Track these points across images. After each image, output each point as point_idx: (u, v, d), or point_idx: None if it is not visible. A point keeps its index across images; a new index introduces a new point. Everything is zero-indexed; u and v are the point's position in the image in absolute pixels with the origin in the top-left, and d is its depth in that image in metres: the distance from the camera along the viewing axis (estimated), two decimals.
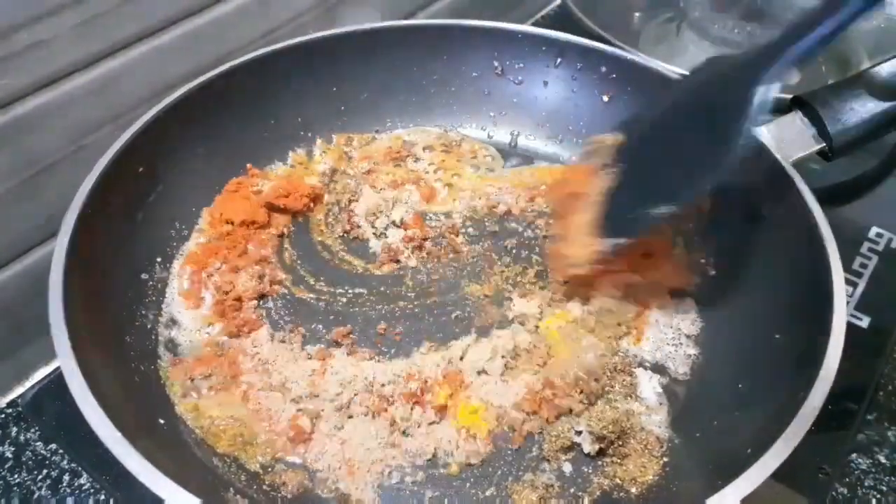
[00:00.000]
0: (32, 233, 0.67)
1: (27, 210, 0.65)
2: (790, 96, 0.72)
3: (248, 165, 0.76)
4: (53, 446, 0.62)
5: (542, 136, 0.85)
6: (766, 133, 0.68)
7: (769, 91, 0.54)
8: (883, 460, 0.62)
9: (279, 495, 0.54)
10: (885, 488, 0.61)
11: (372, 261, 0.72)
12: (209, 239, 0.71)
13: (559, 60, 0.82)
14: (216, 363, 0.62)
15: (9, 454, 0.61)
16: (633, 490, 0.55)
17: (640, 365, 0.64)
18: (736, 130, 0.54)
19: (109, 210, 0.62)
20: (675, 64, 0.80)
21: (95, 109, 0.67)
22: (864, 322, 0.72)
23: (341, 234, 0.74)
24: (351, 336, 0.65)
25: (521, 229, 0.76)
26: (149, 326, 0.63)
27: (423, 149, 0.83)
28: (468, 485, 0.56)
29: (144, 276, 0.65)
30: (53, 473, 0.60)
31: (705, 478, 0.51)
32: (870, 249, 0.79)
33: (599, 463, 0.57)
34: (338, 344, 0.64)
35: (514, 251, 0.73)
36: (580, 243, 0.62)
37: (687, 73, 0.66)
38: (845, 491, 0.60)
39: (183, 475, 0.45)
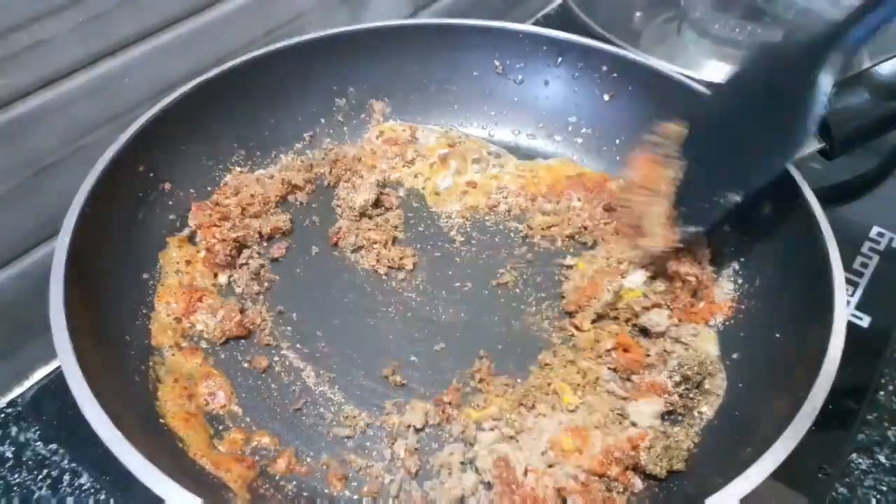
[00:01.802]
0: (33, 232, 0.67)
1: (27, 210, 0.65)
2: None
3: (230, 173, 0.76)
4: (53, 446, 0.62)
5: (543, 136, 0.85)
6: None
7: (830, 77, 0.56)
8: (883, 460, 0.62)
9: (279, 495, 0.54)
10: (885, 488, 0.60)
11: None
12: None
13: (560, 60, 0.82)
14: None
15: (9, 454, 0.61)
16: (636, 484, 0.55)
17: None
18: (803, 116, 0.57)
19: (110, 209, 0.62)
20: (676, 63, 0.80)
21: (95, 109, 0.67)
22: (865, 322, 0.72)
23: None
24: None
25: (520, 227, 0.76)
26: (149, 325, 0.63)
27: (425, 147, 0.83)
28: None
29: (145, 275, 0.65)
30: (53, 473, 0.60)
31: (705, 477, 0.51)
32: (871, 249, 0.79)
33: None
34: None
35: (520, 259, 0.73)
36: (656, 233, 0.64)
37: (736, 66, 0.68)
38: (845, 491, 0.60)
39: (183, 475, 0.45)
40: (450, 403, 0.60)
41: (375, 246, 0.72)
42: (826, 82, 0.56)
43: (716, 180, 0.61)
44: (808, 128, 0.57)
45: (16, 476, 0.60)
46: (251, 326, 0.65)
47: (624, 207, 0.69)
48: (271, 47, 0.75)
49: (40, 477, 0.60)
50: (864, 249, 0.79)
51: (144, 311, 0.63)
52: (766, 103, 0.60)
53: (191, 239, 0.70)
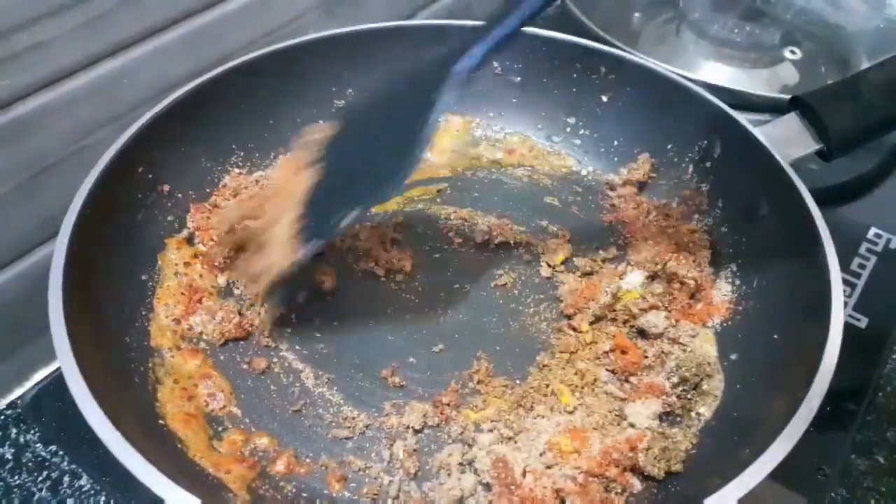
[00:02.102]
0: (32, 233, 0.67)
1: (27, 210, 0.65)
2: (789, 97, 0.72)
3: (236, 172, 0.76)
4: (53, 448, 0.62)
5: (541, 137, 0.85)
6: (765, 133, 0.68)
7: (445, 102, 0.56)
8: (882, 461, 0.62)
9: (278, 496, 0.54)
10: (883, 489, 0.61)
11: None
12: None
13: (558, 61, 0.82)
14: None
15: (9, 456, 0.61)
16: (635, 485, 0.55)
17: None
18: (418, 141, 0.56)
19: (109, 210, 0.62)
20: (674, 64, 0.80)
21: (96, 110, 0.67)
22: (863, 323, 0.72)
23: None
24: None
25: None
26: (148, 327, 0.63)
27: None
28: None
29: (144, 276, 0.65)
30: (53, 475, 0.60)
31: (703, 478, 0.51)
32: (868, 250, 0.79)
33: None
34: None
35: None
36: (280, 247, 0.58)
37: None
38: (844, 492, 0.60)
39: (182, 475, 0.45)
40: (448, 405, 0.60)
41: (373, 247, 0.72)
42: (441, 107, 0.55)
43: (340, 193, 0.58)
44: (418, 154, 0.56)
45: (16, 478, 0.60)
46: (250, 328, 0.65)
47: (253, 218, 0.62)
48: (270, 48, 0.75)
49: (40, 478, 0.60)
50: (862, 250, 0.79)
51: (144, 313, 0.63)
52: (392, 122, 0.59)
53: (189, 241, 0.70)
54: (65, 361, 0.49)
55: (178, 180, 0.71)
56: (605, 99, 0.81)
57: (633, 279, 0.68)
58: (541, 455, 0.56)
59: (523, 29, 0.81)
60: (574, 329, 0.65)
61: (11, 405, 0.65)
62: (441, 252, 0.73)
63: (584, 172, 0.82)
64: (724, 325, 0.66)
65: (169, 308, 0.64)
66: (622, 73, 0.79)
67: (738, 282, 0.68)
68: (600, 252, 0.73)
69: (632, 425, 0.58)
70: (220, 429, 0.58)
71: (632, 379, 0.62)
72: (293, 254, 0.57)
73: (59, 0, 0.60)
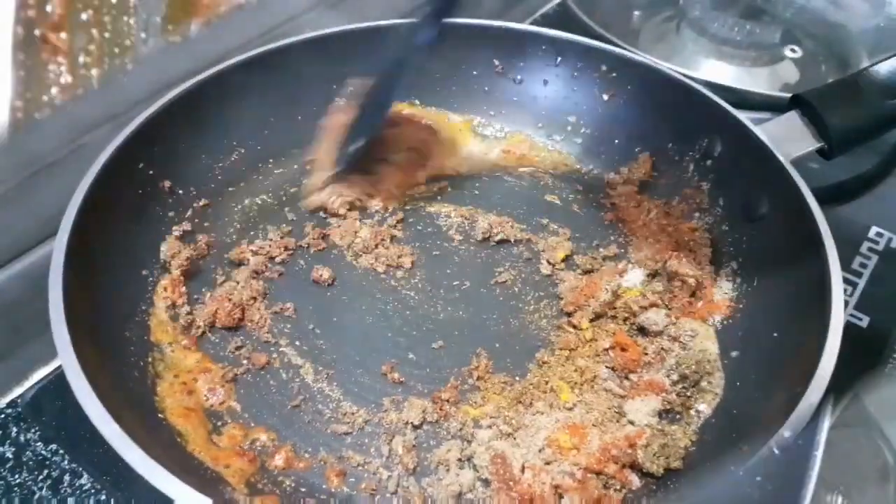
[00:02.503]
0: (32, 232, 0.67)
1: (26, 209, 0.65)
2: (789, 95, 0.72)
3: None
4: (54, 446, 0.62)
5: (542, 135, 0.85)
6: (766, 131, 0.68)
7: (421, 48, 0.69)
8: None
9: (277, 490, 0.54)
10: None
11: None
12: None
13: (559, 59, 0.82)
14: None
15: (9, 454, 0.61)
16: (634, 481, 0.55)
17: None
18: (395, 83, 0.73)
19: (108, 208, 0.62)
20: (675, 63, 0.80)
21: (94, 108, 0.67)
22: (864, 322, 0.72)
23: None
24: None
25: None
26: (148, 322, 0.63)
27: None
28: None
29: (145, 272, 0.66)
30: (54, 474, 0.60)
31: (702, 475, 0.51)
32: (869, 249, 0.79)
33: None
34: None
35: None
36: (324, 165, 0.76)
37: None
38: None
39: (182, 469, 0.45)
40: (448, 401, 0.60)
41: (374, 244, 0.72)
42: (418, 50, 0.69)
43: (355, 130, 0.74)
44: (390, 99, 0.74)
45: (16, 477, 0.60)
46: (249, 324, 0.65)
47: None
48: (270, 46, 0.75)
49: (41, 477, 0.60)
50: (863, 249, 0.78)
51: (143, 308, 0.64)
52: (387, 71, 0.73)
53: (190, 236, 0.70)
54: (65, 357, 0.49)
55: (179, 177, 0.71)
56: (605, 97, 0.81)
57: (634, 277, 0.68)
58: (540, 451, 0.56)
59: (523, 27, 0.83)
60: (574, 326, 0.65)
61: (11, 404, 0.65)
62: (441, 249, 0.73)
63: (584, 170, 0.82)
64: (725, 322, 0.66)
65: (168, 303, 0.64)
66: (623, 71, 0.79)
67: (738, 280, 0.68)
68: (601, 250, 0.73)
69: (631, 422, 0.58)
70: (219, 423, 0.58)
71: (631, 376, 0.62)
72: (330, 170, 0.75)
73: None
